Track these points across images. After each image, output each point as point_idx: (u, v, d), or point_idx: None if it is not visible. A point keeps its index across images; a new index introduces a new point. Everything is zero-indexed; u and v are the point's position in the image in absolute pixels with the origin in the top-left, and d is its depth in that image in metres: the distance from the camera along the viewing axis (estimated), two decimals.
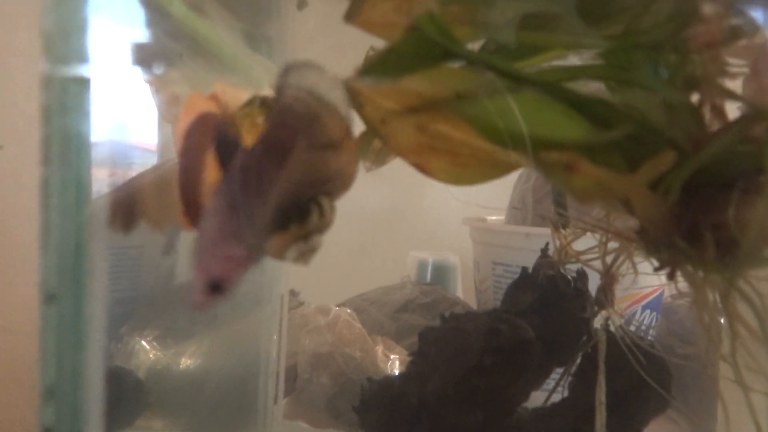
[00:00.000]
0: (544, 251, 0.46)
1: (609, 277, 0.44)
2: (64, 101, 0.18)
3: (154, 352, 0.64)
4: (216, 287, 0.20)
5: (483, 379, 0.39)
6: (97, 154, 0.20)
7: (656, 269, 0.32)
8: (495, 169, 0.31)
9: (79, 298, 0.18)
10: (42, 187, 0.18)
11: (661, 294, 0.80)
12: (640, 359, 0.42)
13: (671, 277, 0.33)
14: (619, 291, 0.46)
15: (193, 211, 0.27)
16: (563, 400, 0.43)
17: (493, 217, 0.88)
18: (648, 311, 0.78)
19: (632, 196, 0.28)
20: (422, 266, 1.10)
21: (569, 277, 0.45)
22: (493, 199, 0.88)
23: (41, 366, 0.18)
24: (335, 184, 0.25)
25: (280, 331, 0.57)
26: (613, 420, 0.41)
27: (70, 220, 0.18)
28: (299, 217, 0.24)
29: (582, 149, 0.22)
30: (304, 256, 0.25)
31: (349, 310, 0.72)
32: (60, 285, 0.18)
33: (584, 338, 0.43)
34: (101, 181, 0.21)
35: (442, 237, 1.21)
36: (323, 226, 0.25)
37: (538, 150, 0.22)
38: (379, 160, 0.49)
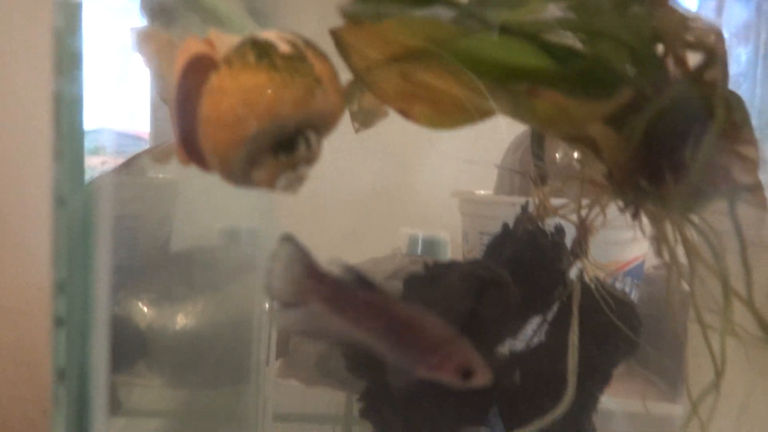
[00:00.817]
0: (524, 207, 0.49)
1: (583, 230, 0.46)
2: (71, 23, 0.20)
3: (150, 313, 0.66)
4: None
5: (463, 323, 0.41)
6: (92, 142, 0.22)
7: (622, 210, 0.35)
8: (472, 115, 0.33)
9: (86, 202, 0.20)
10: (54, 101, 0.20)
11: (642, 263, 0.82)
12: (610, 305, 0.44)
13: (635, 216, 0.35)
14: (602, 258, 0.48)
15: (189, 148, 0.29)
16: (540, 343, 0.46)
17: (483, 192, 0.91)
18: (629, 279, 0.81)
19: (599, 138, 0.30)
20: (413, 242, 1.12)
21: (547, 231, 0.47)
22: (488, 179, 0.91)
23: (54, 263, 0.20)
24: (321, 119, 0.27)
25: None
26: (585, 361, 0.43)
27: (77, 132, 0.20)
28: (287, 148, 0.27)
29: (547, 81, 0.24)
30: (292, 185, 0.27)
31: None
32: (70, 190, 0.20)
33: (560, 288, 0.46)
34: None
35: (434, 216, 1.23)
36: (310, 157, 0.27)
37: (508, 79, 0.24)
38: (368, 121, 0.51)
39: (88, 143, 0.23)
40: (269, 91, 0.25)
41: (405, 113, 0.33)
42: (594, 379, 0.45)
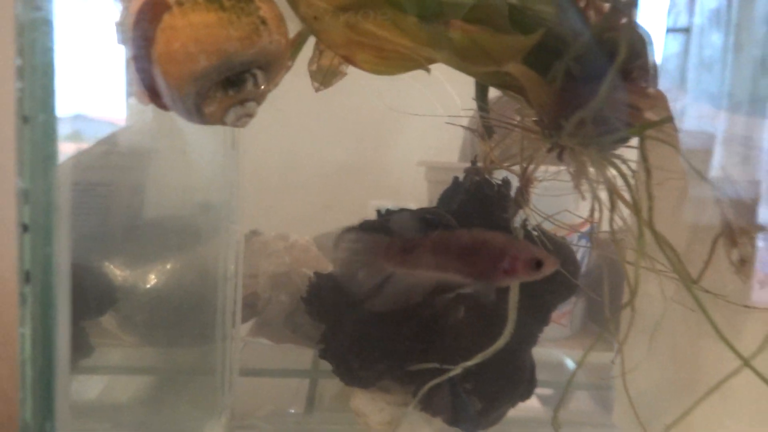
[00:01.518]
0: (474, 161, 0.52)
1: (525, 180, 0.50)
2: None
3: (122, 273, 0.68)
4: None
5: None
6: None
7: (548, 150, 0.38)
8: (412, 62, 0.36)
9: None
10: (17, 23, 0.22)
11: (594, 226, 0.87)
12: (550, 250, 0.48)
13: (560, 157, 0.38)
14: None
15: (148, 88, 0.31)
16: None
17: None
18: (584, 240, 0.86)
19: (520, 78, 0.33)
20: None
21: (494, 182, 0.50)
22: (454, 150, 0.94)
23: (18, 171, 0.23)
24: (267, 58, 0.30)
25: (236, 258, 0.62)
26: (526, 301, 0.47)
27: (44, 51, 0.22)
28: (236, 84, 0.29)
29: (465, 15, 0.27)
30: (240, 120, 0.30)
31: (307, 238, 0.77)
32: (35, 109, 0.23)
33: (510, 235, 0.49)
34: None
35: (405, 190, 1.26)
36: (258, 94, 0.30)
37: (429, 14, 0.27)
38: (327, 80, 0.54)
39: (64, 130, 0.25)
40: (217, 29, 0.28)
41: (349, 60, 0.35)
42: (533, 318, 0.48)
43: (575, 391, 0.68)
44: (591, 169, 0.36)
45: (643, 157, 0.33)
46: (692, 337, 0.48)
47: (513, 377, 0.47)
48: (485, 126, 0.48)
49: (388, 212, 0.47)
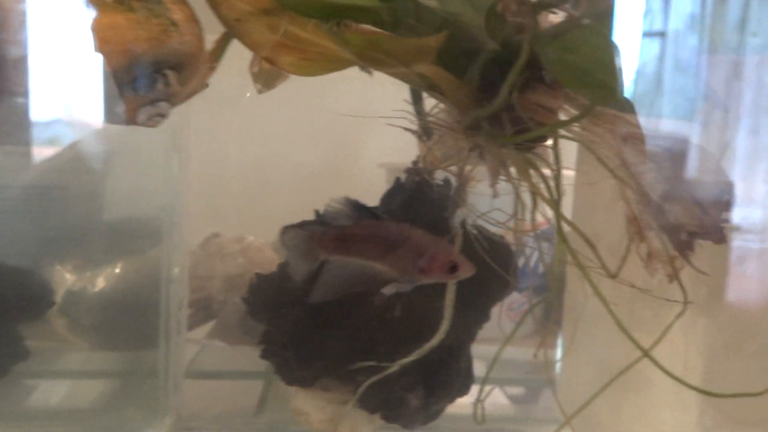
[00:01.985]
0: (415, 162, 0.52)
1: (463, 179, 0.51)
2: None
3: (72, 277, 0.68)
4: None
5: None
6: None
7: (469, 150, 0.39)
8: (335, 64, 0.36)
9: None
10: None
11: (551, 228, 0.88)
12: (487, 248, 0.49)
13: (482, 156, 0.39)
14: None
15: None
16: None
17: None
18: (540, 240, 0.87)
19: (434, 78, 0.34)
20: None
21: (433, 182, 0.51)
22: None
23: None
24: (178, 59, 0.30)
25: (182, 260, 0.62)
26: (463, 298, 0.48)
27: None
28: (146, 84, 0.29)
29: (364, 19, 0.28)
30: (152, 120, 0.30)
31: (262, 240, 0.77)
32: None
33: (449, 234, 0.50)
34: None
35: (377, 193, 1.26)
36: (169, 94, 0.30)
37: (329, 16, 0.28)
38: (269, 83, 0.54)
39: (43, 134, 0.25)
40: (125, 30, 0.28)
41: (273, 62, 0.36)
42: (471, 315, 0.49)
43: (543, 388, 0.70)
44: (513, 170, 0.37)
45: (555, 156, 0.34)
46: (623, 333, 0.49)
47: (450, 373, 0.48)
48: (424, 127, 0.49)
49: (327, 211, 0.48)
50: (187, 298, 0.64)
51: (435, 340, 0.46)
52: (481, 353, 0.74)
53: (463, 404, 0.52)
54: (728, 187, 0.33)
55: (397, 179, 0.54)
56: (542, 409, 0.68)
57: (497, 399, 0.71)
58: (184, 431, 0.56)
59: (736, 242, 0.36)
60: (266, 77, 0.53)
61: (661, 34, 0.40)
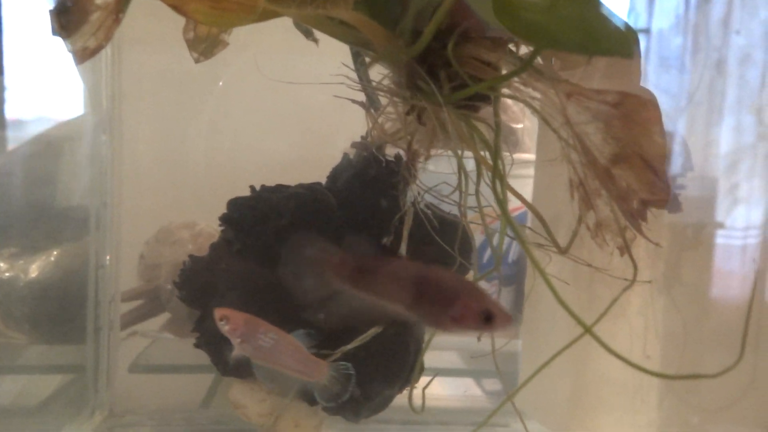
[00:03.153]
0: (364, 136, 0.49)
1: (411, 154, 0.47)
2: None
3: (5, 266, 0.63)
4: None
5: (284, 239, 0.41)
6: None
7: (407, 112, 0.35)
8: (249, 14, 0.32)
9: None
10: None
11: (526, 212, 0.86)
12: (438, 227, 0.46)
13: (420, 119, 0.36)
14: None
15: None
16: None
17: None
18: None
19: (366, 32, 0.31)
20: None
21: (382, 158, 0.48)
22: None
23: None
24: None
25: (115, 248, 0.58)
26: None
27: None
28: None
29: None
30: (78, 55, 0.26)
31: (215, 226, 0.73)
32: None
33: (398, 213, 0.46)
34: None
35: None
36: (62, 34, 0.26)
37: None
38: (207, 51, 0.50)
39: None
40: None
41: (180, 10, 0.32)
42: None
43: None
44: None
45: (495, 114, 0.31)
46: (583, 313, 0.46)
47: (394, 362, 0.44)
48: (372, 101, 0.45)
49: (263, 188, 0.44)
50: (119, 290, 0.60)
51: (378, 326, 0.43)
52: (454, 344, 0.71)
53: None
54: (684, 151, 0.30)
55: (345, 155, 0.50)
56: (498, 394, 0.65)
57: (473, 392, 0.68)
58: (118, 427, 0.52)
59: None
60: (204, 44, 0.49)
61: (646, 31, 0.39)
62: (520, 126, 0.76)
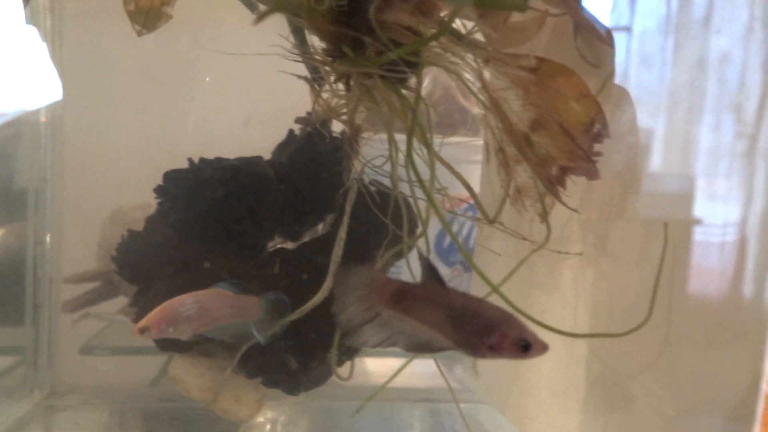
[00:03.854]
0: (309, 112, 0.49)
1: (354, 129, 0.47)
2: None
3: None
4: None
5: (219, 212, 0.41)
6: None
7: (335, 80, 0.35)
8: None
9: None
10: None
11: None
12: (377, 203, 0.46)
13: (348, 86, 0.36)
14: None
15: None
16: (318, 237, 0.47)
17: None
18: (470, 212, 0.86)
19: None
20: None
21: (325, 133, 0.48)
22: None
23: None
24: None
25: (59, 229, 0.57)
26: (354, 257, 0.44)
27: None
28: None
29: None
30: None
31: None
32: None
33: (342, 188, 0.46)
34: None
35: None
36: None
37: None
38: (149, 23, 0.49)
39: None
40: None
41: None
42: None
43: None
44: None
45: (418, 81, 0.31)
46: (522, 288, 0.47)
47: (332, 336, 0.44)
48: (316, 77, 0.45)
49: (201, 161, 0.44)
50: (60, 268, 0.59)
51: (317, 298, 0.43)
52: None
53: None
54: (600, 117, 0.30)
55: (290, 131, 0.50)
56: (457, 379, 0.66)
57: (427, 369, 0.69)
58: (59, 406, 0.52)
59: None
60: (145, 17, 0.48)
61: (627, 29, 0.40)
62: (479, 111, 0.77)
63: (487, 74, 0.32)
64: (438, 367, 0.45)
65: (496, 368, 0.55)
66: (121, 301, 0.70)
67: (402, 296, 0.32)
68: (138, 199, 0.68)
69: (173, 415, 0.52)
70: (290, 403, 0.55)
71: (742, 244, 0.30)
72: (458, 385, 0.62)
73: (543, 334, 0.30)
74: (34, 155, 0.54)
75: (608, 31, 0.36)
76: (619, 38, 0.38)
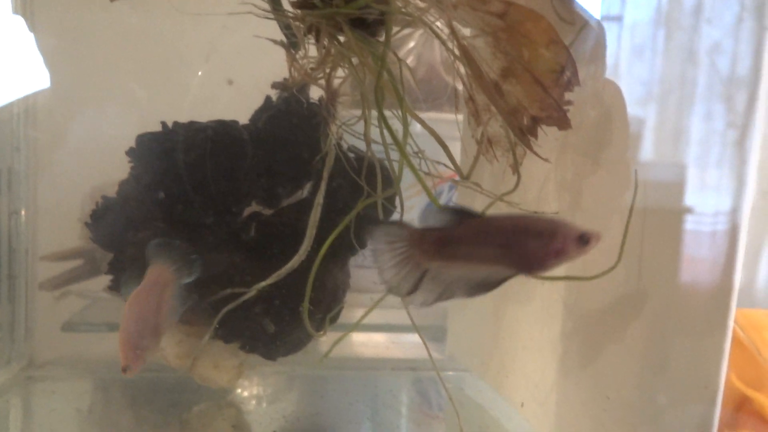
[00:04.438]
0: (287, 78, 0.48)
1: (331, 93, 0.47)
2: None
3: None
4: None
5: (192, 175, 0.41)
6: None
7: (306, 33, 0.35)
8: None
9: None
10: None
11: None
12: (355, 168, 0.45)
13: (318, 39, 0.35)
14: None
15: None
16: (297, 202, 0.47)
17: None
18: (454, 190, 0.86)
19: None
20: None
21: (302, 99, 0.47)
22: None
23: None
24: None
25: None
26: (332, 222, 0.44)
27: None
28: None
29: None
30: None
31: None
32: None
33: (315, 151, 0.46)
34: None
35: None
36: None
37: None
38: None
39: None
40: None
41: None
42: (340, 239, 0.46)
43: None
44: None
45: (387, 31, 0.31)
46: None
47: (310, 299, 0.44)
48: (291, 41, 0.44)
49: (175, 124, 0.43)
50: (37, 239, 0.58)
51: (294, 262, 0.42)
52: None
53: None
54: (570, 64, 0.30)
55: (267, 97, 0.50)
56: (441, 350, 0.66)
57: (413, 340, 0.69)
58: (38, 376, 0.51)
59: None
60: None
61: (618, 20, 0.39)
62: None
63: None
64: (421, 337, 0.45)
65: (474, 335, 0.55)
66: (105, 279, 0.70)
67: (445, 243, 0.30)
68: (120, 174, 0.67)
69: (155, 386, 0.52)
70: (277, 372, 0.55)
71: (733, 233, 0.30)
72: (441, 356, 0.62)
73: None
74: (6, 129, 0.53)
75: (598, 23, 0.36)
76: (610, 29, 0.39)
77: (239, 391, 0.52)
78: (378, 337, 0.68)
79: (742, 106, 0.31)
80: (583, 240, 0.29)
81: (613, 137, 0.35)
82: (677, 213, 0.32)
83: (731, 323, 0.28)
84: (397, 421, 0.50)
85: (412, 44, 0.78)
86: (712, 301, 0.29)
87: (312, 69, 0.46)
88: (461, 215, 0.30)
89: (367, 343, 0.65)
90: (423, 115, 0.39)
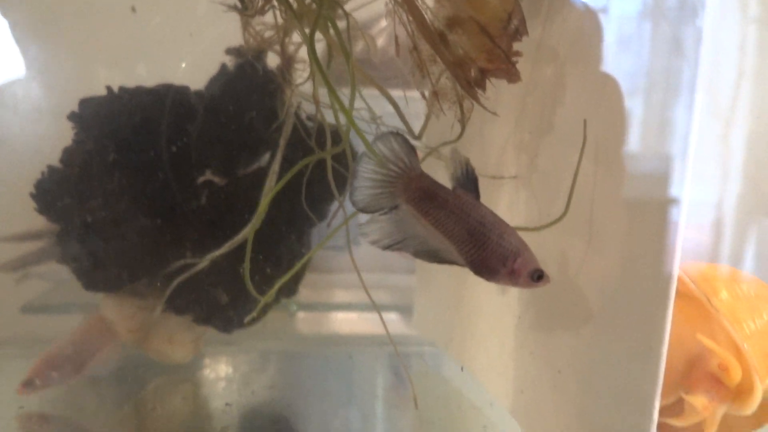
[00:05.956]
0: (241, 45, 0.47)
1: (287, 59, 0.45)
2: None
3: None
4: None
5: (138, 139, 0.39)
6: None
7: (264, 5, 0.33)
8: None
9: None
10: None
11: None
12: (310, 134, 0.44)
13: (288, 8, 0.34)
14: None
15: None
16: (253, 171, 0.45)
17: None
18: None
19: None
20: None
21: (258, 65, 0.46)
22: None
23: None
24: None
25: None
26: (290, 192, 0.43)
27: None
28: None
29: None
30: None
31: None
32: None
33: (270, 117, 0.45)
34: None
35: None
36: None
37: None
38: None
39: None
40: None
41: None
42: (297, 209, 0.44)
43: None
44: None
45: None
46: None
47: (265, 269, 0.43)
48: (244, 5, 0.43)
49: (121, 88, 0.41)
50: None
51: (246, 231, 0.41)
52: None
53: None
54: (518, 12, 0.29)
55: (222, 64, 0.48)
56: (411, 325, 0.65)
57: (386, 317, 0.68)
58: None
59: None
60: None
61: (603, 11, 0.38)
62: None
63: None
64: (379, 315, 0.44)
65: (438, 310, 0.54)
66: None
67: (429, 196, 0.29)
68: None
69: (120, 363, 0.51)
70: (256, 350, 0.54)
71: (718, 224, 0.29)
72: (412, 331, 0.62)
73: None
74: None
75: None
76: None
77: (197, 366, 0.51)
78: (351, 315, 0.68)
79: (726, 99, 0.31)
80: (535, 276, 0.29)
81: (612, 133, 0.35)
82: (662, 204, 0.31)
83: (673, 293, 0.27)
84: (357, 395, 0.49)
85: (384, 24, 0.77)
86: (656, 272, 0.29)
87: (266, 35, 0.45)
88: (465, 182, 0.29)
89: (342, 320, 0.65)
90: (392, 92, 0.38)
